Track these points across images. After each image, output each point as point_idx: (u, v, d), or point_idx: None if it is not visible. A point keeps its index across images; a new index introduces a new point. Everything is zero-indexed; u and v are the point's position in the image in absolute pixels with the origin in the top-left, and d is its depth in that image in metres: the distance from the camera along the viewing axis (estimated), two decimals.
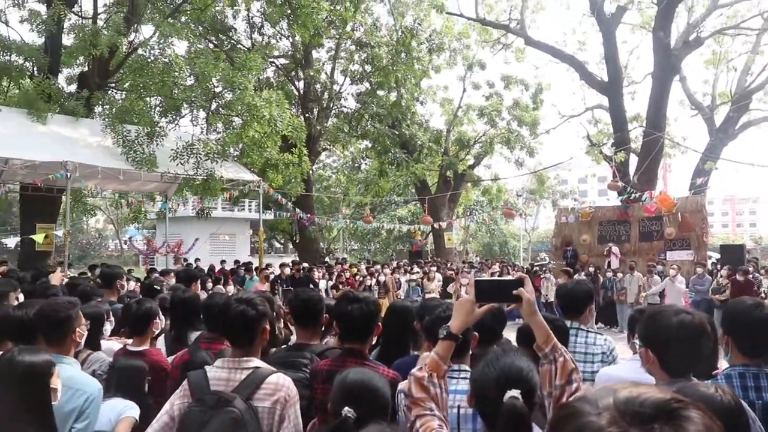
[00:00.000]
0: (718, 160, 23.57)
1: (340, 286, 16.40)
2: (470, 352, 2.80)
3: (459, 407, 2.45)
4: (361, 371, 2.40)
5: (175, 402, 2.68)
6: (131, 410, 3.34)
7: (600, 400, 0.84)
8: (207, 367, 2.76)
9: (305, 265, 17.76)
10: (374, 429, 1.77)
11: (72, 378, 3.03)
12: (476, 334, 2.83)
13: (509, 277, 2.39)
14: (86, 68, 17.12)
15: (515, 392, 1.83)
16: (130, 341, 4.09)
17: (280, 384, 2.66)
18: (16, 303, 4.75)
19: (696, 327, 2.27)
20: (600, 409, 0.82)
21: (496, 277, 3.60)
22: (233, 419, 2.40)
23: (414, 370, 2.12)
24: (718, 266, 15.76)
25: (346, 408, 2.12)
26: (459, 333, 2.17)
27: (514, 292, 2.20)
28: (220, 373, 2.69)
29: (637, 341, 2.51)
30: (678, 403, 0.80)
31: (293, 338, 3.99)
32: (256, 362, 2.75)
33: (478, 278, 2.42)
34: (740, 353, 2.61)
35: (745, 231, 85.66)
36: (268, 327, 2.84)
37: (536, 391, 1.97)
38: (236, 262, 18.19)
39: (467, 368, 2.68)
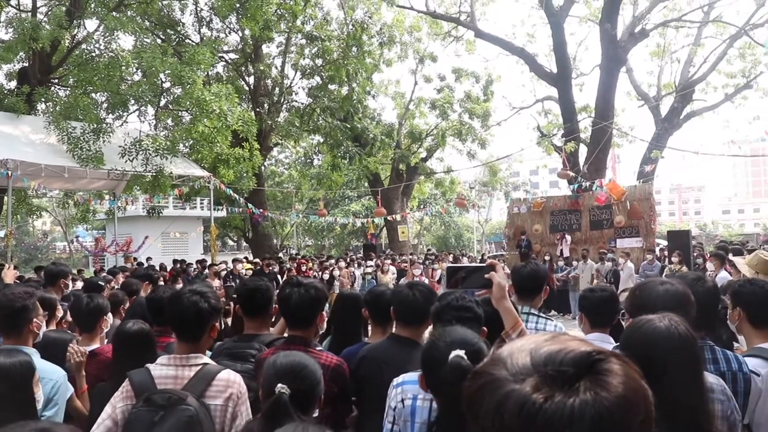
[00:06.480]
0: (664, 149, 24.16)
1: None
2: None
3: (415, 397, 2.43)
4: (291, 353, 2.33)
5: (117, 405, 2.49)
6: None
7: (515, 361, 0.79)
8: (149, 365, 2.59)
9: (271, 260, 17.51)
10: (290, 428, 1.72)
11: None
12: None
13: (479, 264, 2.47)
14: (27, 63, 16.59)
15: (460, 352, 1.84)
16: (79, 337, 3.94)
17: (231, 380, 2.55)
18: None
19: (682, 294, 2.40)
20: (519, 373, 0.77)
21: (466, 264, 3.65)
22: (189, 417, 2.26)
23: None
24: (665, 252, 16.13)
25: (279, 384, 2.04)
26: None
27: (486, 276, 2.28)
28: (166, 371, 2.55)
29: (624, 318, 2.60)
30: (599, 355, 0.77)
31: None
32: (203, 359, 2.63)
33: (449, 265, 2.52)
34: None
35: (691, 219, 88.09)
36: (217, 325, 2.73)
37: (483, 354, 1.92)
38: (180, 261, 17.74)
39: None
